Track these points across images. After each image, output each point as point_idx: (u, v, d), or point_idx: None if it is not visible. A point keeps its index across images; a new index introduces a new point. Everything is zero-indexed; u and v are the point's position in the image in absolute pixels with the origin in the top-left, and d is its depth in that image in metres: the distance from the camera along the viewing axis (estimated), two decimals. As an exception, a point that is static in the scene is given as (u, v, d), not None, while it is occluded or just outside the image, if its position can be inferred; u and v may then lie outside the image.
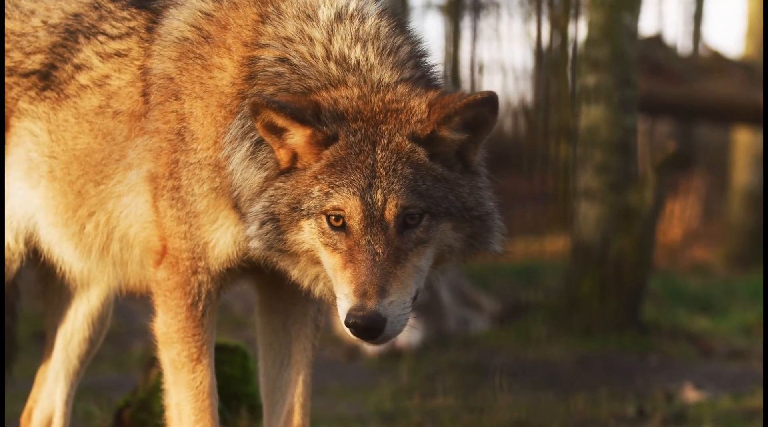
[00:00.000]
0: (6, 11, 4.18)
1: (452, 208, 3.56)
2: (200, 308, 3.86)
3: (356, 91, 3.62)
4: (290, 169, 3.62)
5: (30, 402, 4.55)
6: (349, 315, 3.45)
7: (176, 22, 3.90)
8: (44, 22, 4.13)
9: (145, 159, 3.88)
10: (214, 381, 3.90)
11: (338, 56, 3.68)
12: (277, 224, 3.61)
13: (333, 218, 3.53)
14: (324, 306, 4.06)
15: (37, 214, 4.11)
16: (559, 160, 11.85)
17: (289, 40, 3.72)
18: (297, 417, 4.01)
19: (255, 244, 3.65)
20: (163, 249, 3.86)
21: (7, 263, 4.23)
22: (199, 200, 3.80)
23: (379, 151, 3.55)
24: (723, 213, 14.48)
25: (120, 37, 4.02)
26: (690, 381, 6.99)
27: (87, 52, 4.04)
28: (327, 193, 3.54)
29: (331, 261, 3.55)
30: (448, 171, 3.59)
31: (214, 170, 3.77)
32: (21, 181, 4.11)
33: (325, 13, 3.74)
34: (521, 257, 12.80)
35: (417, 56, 3.75)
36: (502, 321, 9.09)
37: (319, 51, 3.69)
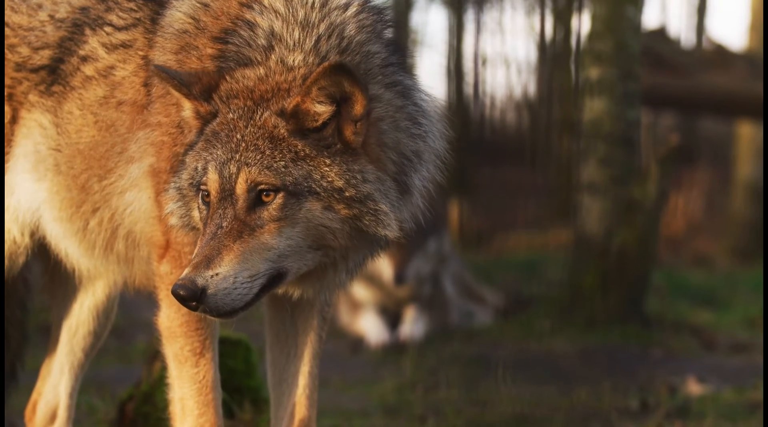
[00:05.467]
0: (13, 4, 4.16)
1: (317, 188, 3.44)
2: (203, 301, 3.84)
3: (262, 71, 3.55)
4: (194, 144, 3.60)
5: (35, 395, 4.55)
6: (174, 283, 3.41)
7: (177, 14, 3.88)
8: (51, 17, 4.12)
9: (147, 153, 3.86)
10: (217, 375, 3.89)
11: (283, 37, 3.60)
12: (185, 200, 3.60)
13: (204, 193, 3.51)
14: (331, 298, 4.06)
15: (42, 208, 4.11)
16: (562, 153, 11.86)
17: (267, 9, 3.66)
18: (303, 409, 3.99)
19: (173, 221, 3.64)
20: (166, 243, 3.84)
21: (13, 256, 4.23)
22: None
23: (249, 128, 3.48)
24: (726, 206, 14.44)
25: (126, 27, 4.01)
26: (693, 374, 6.97)
27: (93, 44, 4.03)
28: (204, 168, 3.51)
29: None
30: (314, 148, 3.46)
31: None
32: (28, 173, 4.10)
33: None
34: (524, 250, 12.80)
35: (358, 43, 3.61)
36: (506, 314, 9.08)
37: (275, 28, 3.61)
